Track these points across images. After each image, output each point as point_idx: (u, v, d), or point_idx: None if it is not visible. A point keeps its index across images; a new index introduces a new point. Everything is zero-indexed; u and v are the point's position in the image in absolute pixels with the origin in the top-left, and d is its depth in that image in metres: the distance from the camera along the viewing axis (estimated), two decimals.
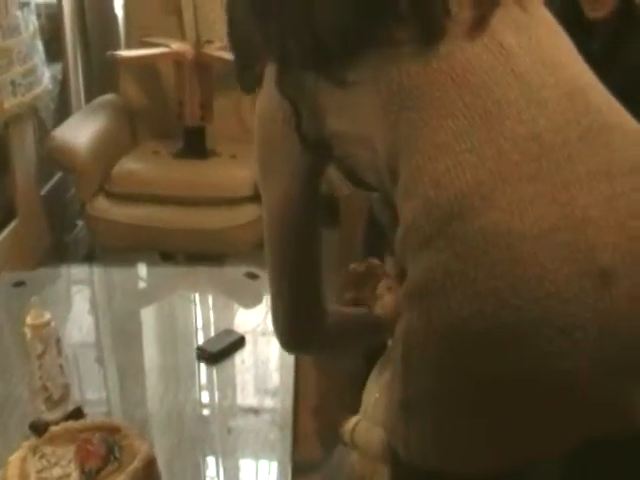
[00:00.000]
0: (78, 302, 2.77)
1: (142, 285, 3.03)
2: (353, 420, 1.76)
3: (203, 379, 2.26)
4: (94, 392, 2.17)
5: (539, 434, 1.19)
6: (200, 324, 2.61)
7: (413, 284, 1.20)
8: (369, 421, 1.72)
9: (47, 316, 1.90)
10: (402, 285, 1.25)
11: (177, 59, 3.79)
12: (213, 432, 1.99)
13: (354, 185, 1.48)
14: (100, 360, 2.36)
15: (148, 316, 2.72)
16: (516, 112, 1.19)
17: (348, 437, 1.76)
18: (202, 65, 3.76)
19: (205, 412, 2.16)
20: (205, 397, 2.21)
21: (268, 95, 1.41)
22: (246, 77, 1.51)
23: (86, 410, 1.95)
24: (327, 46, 1.27)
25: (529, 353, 1.13)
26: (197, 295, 2.81)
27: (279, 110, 1.38)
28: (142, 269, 3.20)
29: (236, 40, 1.50)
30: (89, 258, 3.96)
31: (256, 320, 2.47)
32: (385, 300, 1.72)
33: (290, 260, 1.52)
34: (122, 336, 2.44)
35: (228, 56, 3.61)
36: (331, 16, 1.26)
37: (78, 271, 3.28)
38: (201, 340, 2.36)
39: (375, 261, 1.80)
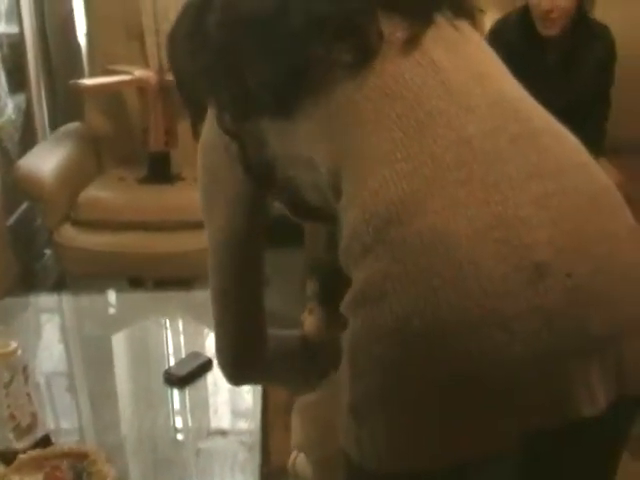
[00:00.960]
0: (48, 330, 2.77)
1: (112, 311, 3.03)
2: (293, 454, 1.79)
3: (172, 403, 2.27)
4: (66, 420, 2.17)
5: (487, 428, 1.22)
6: (170, 348, 2.62)
7: (356, 291, 1.24)
8: (297, 448, 1.75)
9: (13, 345, 1.90)
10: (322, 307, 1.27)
11: (140, 86, 3.81)
12: (183, 455, 2.00)
13: (293, 213, 1.53)
14: (72, 388, 2.37)
15: (118, 342, 2.72)
16: (446, 120, 1.26)
17: (292, 471, 1.80)
18: (165, 91, 3.77)
19: (175, 435, 2.17)
20: (175, 420, 2.21)
21: (210, 123, 1.48)
22: (198, 126, 1.57)
23: (59, 439, 1.95)
24: (262, 99, 1.34)
25: (470, 349, 1.17)
26: (166, 319, 2.82)
27: (220, 138, 1.44)
28: (111, 295, 3.20)
29: (182, 89, 1.58)
30: (58, 286, 3.95)
31: None
32: (307, 322, 1.76)
33: (234, 289, 1.57)
34: (93, 363, 2.45)
35: None
36: (263, 76, 1.33)
37: (47, 299, 3.27)
38: (171, 363, 2.38)
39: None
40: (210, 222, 1.56)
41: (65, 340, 2.73)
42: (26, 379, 1.92)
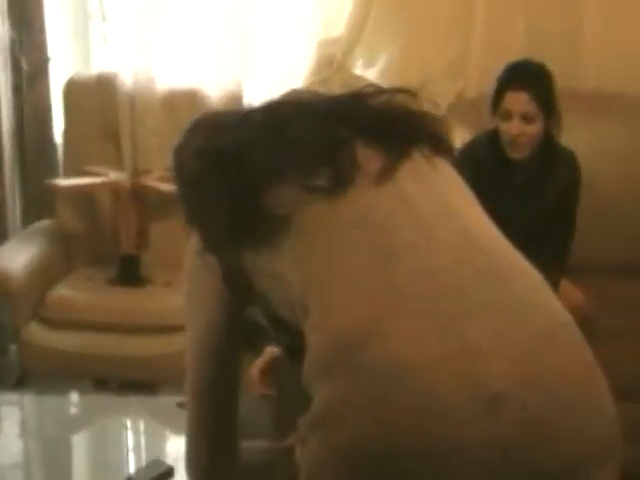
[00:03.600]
0: (8, 427, 2.74)
1: (74, 412, 3.01)
2: None
3: None
4: None
5: None
6: (131, 454, 2.61)
7: (315, 413, 1.27)
8: None
9: None
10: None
11: (114, 188, 3.84)
12: None
13: (267, 322, 1.60)
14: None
15: (78, 444, 2.70)
16: (413, 252, 1.32)
17: None
18: (139, 194, 3.81)
19: None
20: None
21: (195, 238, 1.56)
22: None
23: None
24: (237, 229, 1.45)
25: (425, 474, 1.19)
26: (129, 423, 2.80)
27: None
28: (74, 396, 3.19)
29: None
30: (21, 382, 3.90)
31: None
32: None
33: (212, 390, 1.58)
34: (52, 462, 2.43)
35: (164, 187, 3.71)
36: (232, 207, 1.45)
37: (9, 397, 3.25)
38: (132, 468, 2.36)
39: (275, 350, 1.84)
40: (191, 324, 1.60)
41: (25, 437, 2.70)
42: None
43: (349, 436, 1.21)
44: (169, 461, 2.31)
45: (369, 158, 1.40)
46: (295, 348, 1.88)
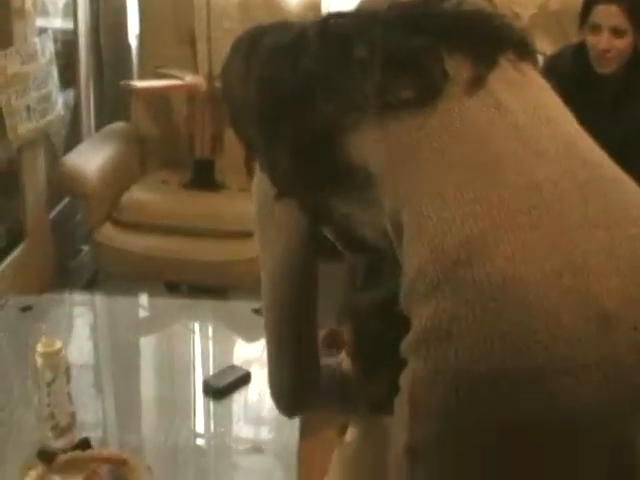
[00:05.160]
0: (79, 327, 2.78)
1: (145, 314, 3.04)
2: None
3: (208, 413, 2.27)
4: (89, 415, 2.15)
5: (546, 477, 1.21)
6: (205, 357, 2.62)
7: (419, 331, 1.22)
8: None
9: (58, 344, 1.91)
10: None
11: (190, 91, 3.81)
12: (218, 468, 2.00)
13: (345, 246, 1.52)
14: (97, 385, 2.36)
15: (150, 346, 2.73)
16: (514, 163, 1.25)
17: None
18: (214, 98, 3.77)
19: (209, 447, 2.17)
20: (210, 432, 2.21)
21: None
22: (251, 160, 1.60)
23: (80, 432, 1.95)
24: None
25: (536, 395, 1.16)
26: (201, 327, 2.81)
27: None
28: (145, 298, 3.21)
29: (235, 124, 1.58)
30: (92, 284, 3.96)
31: (262, 356, 2.47)
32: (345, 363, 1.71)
33: (292, 320, 1.54)
34: (122, 364, 2.45)
35: None
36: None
37: (81, 297, 3.29)
38: (200, 373, 2.38)
39: (336, 329, 1.82)
40: (266, 255, 1.54)
41: (95, 338, 2.74)
42: (68, 380, 1.93)
43: (456, 354, 1.17)
44: (244, 367, 2.31)
45: (456, 66, 1.32)
46: (372, 268, 1.86)
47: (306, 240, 1.50)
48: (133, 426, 2.15)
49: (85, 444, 1.90)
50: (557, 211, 1.22)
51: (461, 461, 1.22)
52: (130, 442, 2.01)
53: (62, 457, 1.83)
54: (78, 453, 1.85)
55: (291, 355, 1.57)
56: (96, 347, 2.65)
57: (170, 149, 4.07)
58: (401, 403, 1.26)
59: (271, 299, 1.55)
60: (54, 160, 3.81)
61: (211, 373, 2.33)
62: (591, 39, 3.10)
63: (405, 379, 1.25)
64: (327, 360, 1.70)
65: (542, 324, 1.15)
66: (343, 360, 1.68)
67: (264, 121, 1.45)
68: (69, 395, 1.94)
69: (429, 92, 1.29)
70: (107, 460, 1.82)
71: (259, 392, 2.24)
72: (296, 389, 1.59)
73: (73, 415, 1.94)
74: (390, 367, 1.30)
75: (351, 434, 1.67)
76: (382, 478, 1.37)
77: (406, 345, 1.25)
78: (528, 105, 1.34)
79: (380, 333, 1.35)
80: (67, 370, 1.93)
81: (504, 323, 1.16)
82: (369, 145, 1.32)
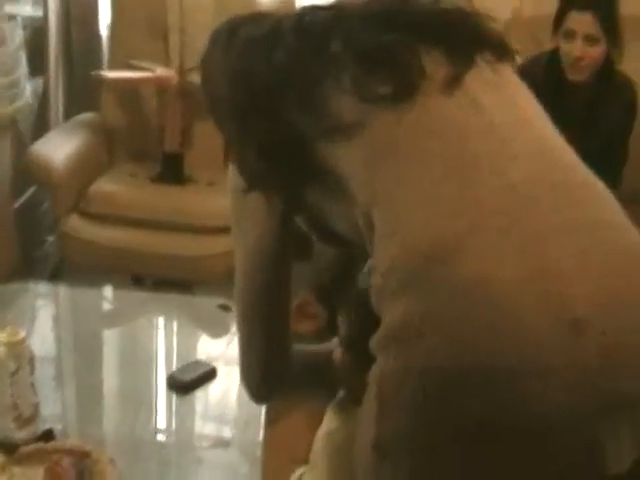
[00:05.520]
0: (43, 318, 2.74)
1: (109, 307, 3.01)
2: (298, 472, 1.72)
3: (172, 408, 2.25)
4: (50, 407, 2.10)
5: (515, 476, 1.20)
6: (167, 351, 2.60)
7: (389, 328, 1.22)
8: (313, 472, 1.67)
9: (22, 334, 1.89)
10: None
11: (161, 84, 3.78)
12: (182, 462, 1.99)
13: (319, 237, 1.53)
14: (59, 377, 2.33)
15: (114, 339, 2.70)
16: (490, 163, 1.24)
17: None
18: (185, 92, 3.75)
19: (173, 441, 2.15)
20: (174, 427, 2.19)
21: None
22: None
23: (42, 424, 1.92)
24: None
25: (505, 397, 1.15)
26: (166, 321, 2.79)
27: None
28: (110, 290, 3.18)
29: (214, 113, 1.57)
30: (57, 275, 3.91)
31: (227, 352, 2.46)
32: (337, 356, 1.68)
33: (263, 307, 1.56)
34: (84, 357, 2.42)
35: None
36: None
37: (46, 288, 3.25)
38: (163, 367, 2.36)
39: (308, 299, 1.81)
40: (240, 241, 1.56)
41: (58, 330, 2.70)
42: (32, 370, 1.90)
43: (425, 352, 1.17)
44: (209, 362, 2.30)
45: (433, 63, 1.31)
46: (345, 259, 1.86)
47: (279, 231, 1.51)
48: (95, 419, 2.12)
49: (48, 436, 1.88)
50: (531, 214, 1.22)
51: (429, 459, 1.20)
52: (92, 435, 1.98)
53: (24, 448, 1.80)
54: (41, 445, 1.82)
55: (261, 342, 1.57)
56: (59, 339, 2.61)
57: (139, 142, 4.03)
58: (369, 399, 1.26)
59: (242, 289, 1.56)
60: (21, 148, 3.77)
61: (175, 368, 2.31)
62: (565, 46, 3.12)
63: (373, 376, 1.25)
64: (304, 348, 1.71)
65: (513, 326, 1.15)
66: (335, 349, 1.67)
67: (236, 115, 1.45)
68: (33, 385, 1.91)
69: (406, 88, 1.28)
70: (70, 452, 1.80)
71: (224, 388, 2.24)
72: (266, 375, 1.60)
73: (36, 406, 1.92)
74: None
75: (331, 422, 1.65)
76: None
77: (375, 342, 1.25)
78: (504, 106, 1.34)
79: (370, 323, 1.35)
80: (31, 360, 1.90)
81: (475, 324, 1.15)
82: (343, 146, 1.31)
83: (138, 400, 2.20)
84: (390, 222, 1.25)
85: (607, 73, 3.18)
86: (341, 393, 1.67)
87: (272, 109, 1.37)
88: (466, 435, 1.18)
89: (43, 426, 1.91)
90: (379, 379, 1.23)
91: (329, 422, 1.64)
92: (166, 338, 2.71)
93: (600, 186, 1.32)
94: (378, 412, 1.23)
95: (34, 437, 1.87)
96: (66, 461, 1.76)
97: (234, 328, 2.47)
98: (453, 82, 1.30)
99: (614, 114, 3.21)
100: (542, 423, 1.16)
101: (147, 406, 2.19)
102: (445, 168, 1.24)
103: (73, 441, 1.86)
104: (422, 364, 1.17)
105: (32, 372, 1.90)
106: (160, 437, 2.08)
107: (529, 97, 1.41)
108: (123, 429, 2.05)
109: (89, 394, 2.23)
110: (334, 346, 1.68)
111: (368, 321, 1.52)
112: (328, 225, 1.45)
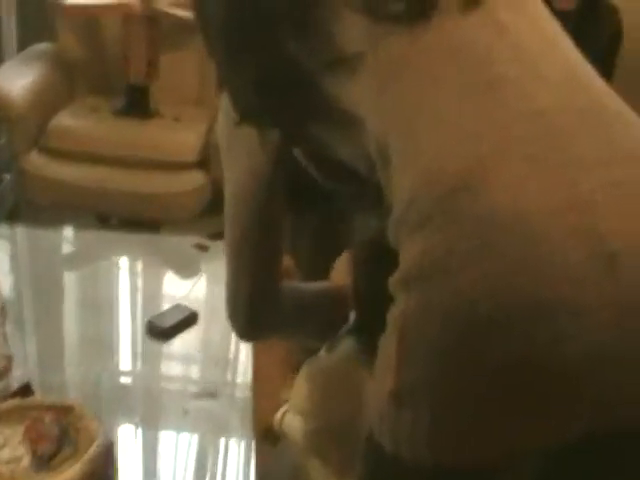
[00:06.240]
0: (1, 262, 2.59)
1: (72, 248, 2.87)
2: (282, 410, 1.67)
3: (153, 354, 2.13)
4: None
5: (545, 422, 1.13)
6: (144, 295, 2.47)
7: (410, 266, 1.12)
8: (294, 410, 1.63)
9: None
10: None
11: (125, 11, 3.59)
12: (171, 415, 1.88)
13: (319, 169, 1.41)
14: (19, 324, 2.19)
15: (75, 282, 2.56)
16: (517, 88, 1.14)
17: (277, 428, 1.68)
18: (151, 20, 3.57)
19: (154, 390, 2.03)
20: (157, 373, 2.07)
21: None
22: None
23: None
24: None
25: (537, 337, 1.07)
26: (135, 263, 2.66)
27: None
28: (70, 231, 3.03)
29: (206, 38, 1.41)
30: (14, 215, 3.74)
31: (206, 295, 2.35)
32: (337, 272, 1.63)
33: (252, 236, 1.47)
34: (43, 300, 2.29)
35: (179, 12, 3.48)
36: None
37: (4, 230, 3.10)
38: (139, 311, 2.24)
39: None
40: (231, 170, 1.46)
41: (17, 273, 2.56)
42: (3, 320, 1.78)
43: (452, 290, 1.07)
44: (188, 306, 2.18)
45: None
46: (351, 199, 1.77)
47: (271, 167, 1.40)
48: (56, 367, 1.99)
49: (26, 390, 1.75)
50: (561, 143, 1.12)
51: (453, 408, 1.12)
52: (53, 384, 1.86)
53: (0, 405, 1.67)
54: (18, 401, 1.70)
55: (249, 277, 1.48)
56: (18, 284, 2.47)
57: (101, 74, 3.86)
58: (387, 344, 1.16)
59: (231, 222, 1.47)
60: None
61: (153, 312, 2.18)
62: None
63: (393, 318, 1.15)
64: (298, 285, 1.63)
65: (546, 261, 1.06)
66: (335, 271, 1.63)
67: (230, 42, 1.31)
68: (4, 336, 1.78)
69: (421, 5, 1.16)
70: (50, 407, 1.67)
71: (207, 333, 2.13)
72: (254, 312, 1.51)
73: (9, 358, 1.79)
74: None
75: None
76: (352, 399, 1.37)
77: (396, 280, 1.14)
78: (528, 27, 1.22)
79: (376, 275, 1.24)
80: (2, 309, 1.78)
81: (507, 259, 1.06)
82: (349, 79, 1.20)
83: (113, 348, 2.09)
84: (407, 151, 1.15)
85: (592, 1, 3.12)
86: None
87: (269, 38, 1.24)
88: (496, 381, 1.09)
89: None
90: (401, 322, 1.14)
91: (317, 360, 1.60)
92: (141, 280, 2.57)
93: (632, 115, 1.21)
94: (398, 358, 1.14)
95: (10, 392, 1.74)
96: (47, 417, 1.63)
97: (213, 268, 2.37)
98: (473, 1, 1.18)
99: (599, 41, 3.14)
100: (576, 363, 1.08)
101: (124, 354, 2.07)
102: (465, 92, 1.14)
103: (52, 396, 1.73)
104: (450, 303, 1.08)
105: (3, 322, 1.78)
106: (132, 385, 1.97)
107: (552, 18, 1.29)
108: (91, 377, 1.93)
109: (50, 341, 2.10)
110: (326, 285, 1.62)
111: (370, 275, 1.49)
112: (331, 155, 1.33)
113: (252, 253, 1.48)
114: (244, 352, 2.03)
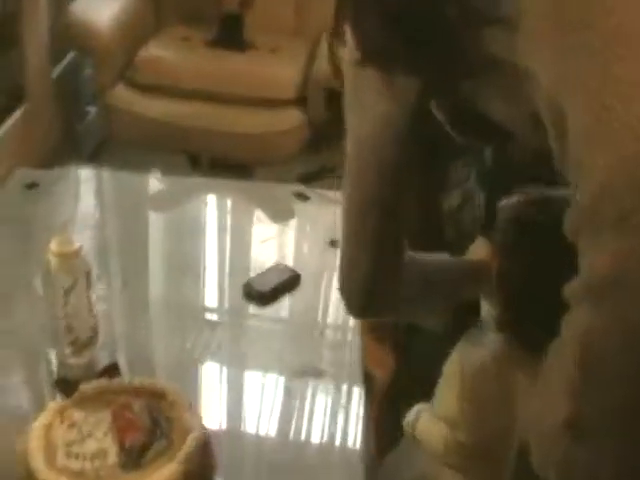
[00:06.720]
0: (85, 210, 2.40)
1: (161, 192, 2.66)
2: (415, 409, 1.57)
3: (254, 324, 1.93)
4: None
5: None
6: (242, 255, 2.24)
7: (601, 271, 0.97)
8: (437, 415, 1.52)
9: (77, 244, 1.59)
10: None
11: None
12: (268, 396, 1.68)
13: (455, 123, 1.27)
14: (105, 276, 1.99)
15: (164, 237, 2.35)
16: None
17: (410, 429, 1.57)
18: None
19: (254, 367, 1.83)
20: (246, 349, 1.87)
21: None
22: None
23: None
24: None
25: None
26: (224, 215, 2.44)
27: None
28: (158, 175, 2.83)
29: None
30: (100, 152, 3.65)
31: (307, 254, 2.14)
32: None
33: (381, 202, 1.34)
34: (130, 261, 2.10)
35: None
36: None
37: (91, 173, 2.91)
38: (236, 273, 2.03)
39: None
40: (351, 132, 1.31)
41: (104, 220, 2.36)
42: (89, 286, 1.61)
43: None
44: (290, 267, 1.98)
45: None
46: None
47: (407, 116, 1.24)
48: (143, 341, 1.80)
49: (113, 370, 1.57)
50: None
51: None
52: (137, 362, 1.69)
53: (85, 387, 1.50)
54: (104, 382, 1.52)
55: (371, 248, 1.38)
56: (103, 225, 2.27)
57: (191, 1, 3.76)
58: (563, 361, 1.03)
59: (353, 178, 1.35)
60: (58, 9, 3.47)
61: (251, 274, 1.97)
62: None
63: (571, 330, 1.02)
64: (423, 256, 1.49)
65: None
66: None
67: None
68: (90, 305, 1.61)
69: None
70: (139, 392, 1.49)
71: (310, 298, 1.92)
72: (373, 287, 1.41)
73: (95, 329, 1.64)
74: (546, 306, 1.05)
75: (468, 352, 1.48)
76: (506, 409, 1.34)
77: (576, 289, 1.00)
78: None
79: (533, 265, 1.05)
80: (88, 274, 1.61)
81: None
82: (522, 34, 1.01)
83: (206, 317, 1.90)
84: (593, 122, 0.95)
85: None
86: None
87: None
88: None
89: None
90: (582, 341, 1.00)
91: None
92: (234, 236, 2.35)
93: None
94: (580, 382, 1.01)
95: (95, 372, 1.57)
96: (137, 404, 1.45)
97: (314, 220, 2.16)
98: None
99: None
100: None
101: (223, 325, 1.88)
102: None
103: (143, 378, 1.54)
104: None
105: (89, 288, 1.61)
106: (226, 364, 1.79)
107: None
108: (182, 355, 1.75)
109: (140, 312, 1.92)
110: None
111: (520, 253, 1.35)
112: (476, 107, 1.18)
113: (377, 220, 1.34)
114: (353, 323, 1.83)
